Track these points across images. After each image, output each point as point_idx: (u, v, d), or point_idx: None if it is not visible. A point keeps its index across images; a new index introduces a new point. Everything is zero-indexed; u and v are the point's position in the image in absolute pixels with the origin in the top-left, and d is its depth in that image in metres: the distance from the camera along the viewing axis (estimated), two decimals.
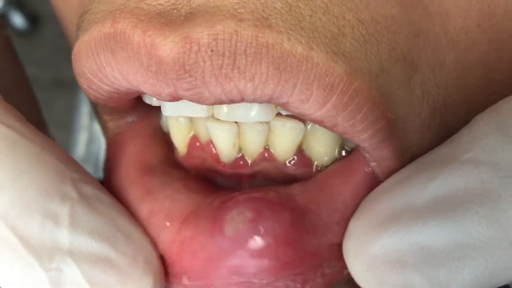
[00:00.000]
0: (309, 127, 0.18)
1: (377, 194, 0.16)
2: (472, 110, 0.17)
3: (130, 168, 0.19)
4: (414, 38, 0.15)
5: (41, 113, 0.27)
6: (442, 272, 0.14)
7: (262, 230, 0.16)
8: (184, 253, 0.17)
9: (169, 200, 0.18)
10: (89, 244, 0.16)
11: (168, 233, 0.17)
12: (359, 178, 0.17)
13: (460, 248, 0.14)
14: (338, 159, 0.18)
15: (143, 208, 0.18)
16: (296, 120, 0.18)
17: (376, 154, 0.16)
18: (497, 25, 0.16)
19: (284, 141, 0.18)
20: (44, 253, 0.15)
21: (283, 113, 0.17)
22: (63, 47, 0.25)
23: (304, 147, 0.19)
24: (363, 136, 0.15)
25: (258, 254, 0.16)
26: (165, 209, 0.18)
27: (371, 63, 0.15)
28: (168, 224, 0.17)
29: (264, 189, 0.17)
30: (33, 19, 1.27)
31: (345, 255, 0.16)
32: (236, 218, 0.16)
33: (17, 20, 1.26)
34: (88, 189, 0.17)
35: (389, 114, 0.15)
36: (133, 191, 0.19)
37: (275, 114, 0.17)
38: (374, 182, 0.17)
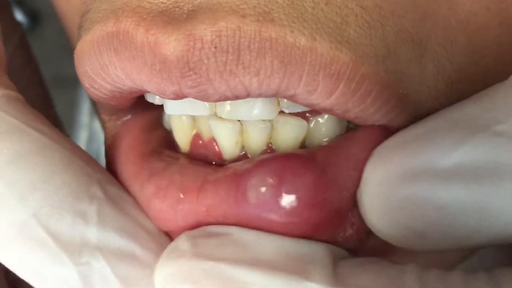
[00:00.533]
0: (312, 124, 0.18)
1: (394, 143, 0.16)
2: (489, 85, 0.17)
3: (129, 156, 0.19)
4: (420, 21, 0.15)
5: (56, 112, 0.27)
6: (455, 233, 0.14)
7: (286, 195, 0.16)
8: (208, 221, 0.17)
9: (178, 174, 0.18)
10: (116, 240, 0.17)
11: (186, 204, 0.17)
12: (373, 131, 0.17)
13: (481, 213, 0.14)
14: None
15: (149, 187, 0.18)
16: (299, 118, 0.18)
17: (391, 124, 0.16)
18: (507, 10, 0.16)
19: (287, 138, 0.18)
20: (74, 249, 0.16)
21: (286, 111, 0.17)
22: (64, 45, 0.25)
23: (307, 144, 0.19)
24: (376, 117, 0.16)
25: (285, 219, 0.16)
26: (176, 182, 0.17)
27: (377, 47, 0.15)
28: (182, 196, 0.17)
29: (281, 154, 0.17)
30: (33, 17, 1.26)
31: (361, 202, 0.16)
32: (259, 184, 0.16)
33: (17, 17, 1.25)
34: (113, 190, 0.18)
35: (400, 91, 0.15)
36: (136, 178, 0.19)
37: (278, 112, 0.17)
38: (388, 135, 0.17)
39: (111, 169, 0.20)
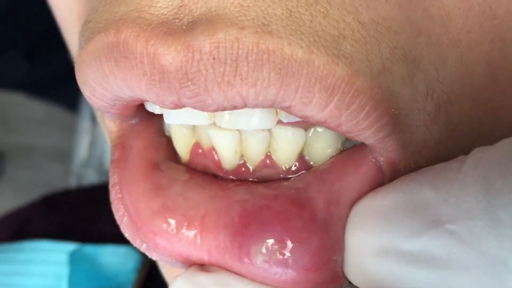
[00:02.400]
0: (310, 133, 0.18)
1: (365, 210, 0.16)
2: (477, 107, 0.17)
3: (137, 164, 0.20)
4: (415, 38, 0.16)
5: None
6: None
7: (291, 262, 0.16)
8: (210, 260, 0.17)
9: (181, 197, 0.18)
10: None
11: (188, 240, 0.17)
12: (366, 169, 0.17)
13: None
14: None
15: (156, 202, 0.18)
16: (297, 127, 0.18)
17: (381, 148, 0.16)
18: (500, 25, 0.16)
19: (285, 147, 0.18)
20: None
21: (285, 120, 0.18)
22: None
23: (305, 153, 0.19)
24: (368, 133, 0.16)
25: (288, 281, 0.16)
26: (180, 206, 0.18)
27: (372, 62, 0.15)
28: (185, 224, 0.17)
29: (280, 201, 0.17)
30: None
31: (344, 264, 0.17)
32: (263, 249, 0.16)
33: None
34: None
35: (393, 110, 0.15)
36: (141, 186, 0.19)
37: (276, 122, 0.18)
38: (379, 176, 0.17)
39: (118, 168, 0.20)
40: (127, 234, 0.19)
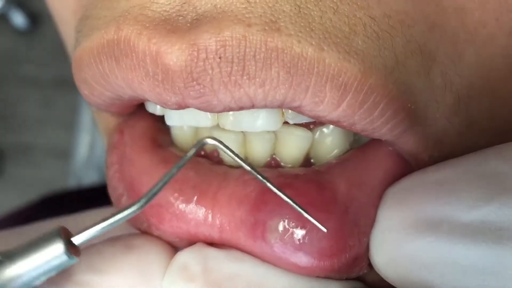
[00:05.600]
0: (316, 135, 0.18)
1: (410, 186, 0.15)
2: (496, 102, 0.16)
3: (141, 140, 0.18)
4: (429, 32, 0.15)
5: None
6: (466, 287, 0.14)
7: (307, 244, 0.15)
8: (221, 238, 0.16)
9: (192, 171, 0.17)
10: None
11: (197, 213, 0.16)
12: (387, 157, 0.17)
13: (498, 275, 0.13)
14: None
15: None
16: (304, 129, 0.18)
17: (399, 143, 0.16)
18: None
19: (291, 149, 0.18)
20: None
21: (291, 121, 0.17)
22: (65, 47, 0.24)
23: (312, 155, 0.18)
24: (383, 130, 0.15)
25: (302, 264, 0.16)
26: (191, 179, 0.17)
27: (386, 58, 0.14)
28: (195, 198, 0.16)
29: (301, 180, 0.16)
30: (34, 18, 1.26)
31: (371, 243, 0.16)
32: (279, 226, 0.16)
33: (18, 19, 1.25)
34: None
35: (408, 105, 0.15)
36: (147, 158, 0.18)
37: (282, 123, 0.17)
38: (403, 164, 0.17)
39: (117, 154, 0.19)
40: None
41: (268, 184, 0.15)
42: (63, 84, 1.17)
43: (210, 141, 0.16)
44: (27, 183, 1.19)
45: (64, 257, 0.14)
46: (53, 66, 1.19)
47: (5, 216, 0.47)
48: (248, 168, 0.15)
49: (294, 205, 0.15)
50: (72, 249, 0.15)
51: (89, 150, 0.74)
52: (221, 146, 0.16)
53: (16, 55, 1.24)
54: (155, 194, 0.15)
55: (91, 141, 0.79)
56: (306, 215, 0.15)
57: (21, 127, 1.21)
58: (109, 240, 0.16)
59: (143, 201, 0.15)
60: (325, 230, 0.15)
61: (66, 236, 0.15)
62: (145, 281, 0.16)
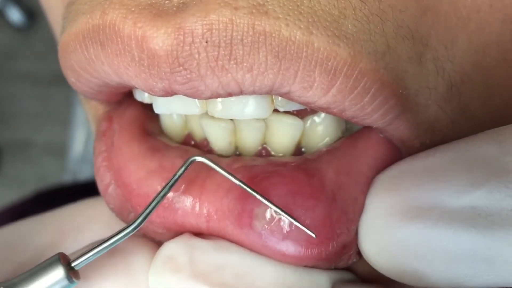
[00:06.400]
0: (308, 124, 0.17)
1: (400, 173, 0.15)
2: (489, 89, 0.16)
3: (130, 128, 0.18)
4: (421, 16, 0.15)
5: None
6: (457, 275, 0.13)
7: (294, 233, 0.15)
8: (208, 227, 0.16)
9: (180, 159, 0.17)
10: None
11: (187, 204, 0.16)
12: (378, 144, 0.16)
13: (488, 261, 0.13)
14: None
15: (152, 162, 0.17)
16: (295, 117, 0.17)
17: (390, 130, 0.16)
18: (511, 6, 0.15)
19: (282, 138, 0.17)
20: None
21: (281, 109, 0.17)
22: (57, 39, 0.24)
23: (303, 144, 0.18)
24: (374, 116, 0.15)
25: (289, 253, 0.15)
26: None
27: (376, 42, 0.14)
28: (183, 186, 0.16)
29: (289, 167, 0.16)
30: (30, 14, 1.26)
31: (360, 231, 0.15)
32: (267, 213, 0.15)
33: (15, 15, 1.25)
34: None
35: (400, 91, 0.15)
36: (135, 147, 0.17)
37: (272, 111, 0.17)
38: (393, 151, 0.16)
39: (105, 143, 0.19)
40: (111, 206, 0.18)
41: (258, 196, 0.15)
42: (59, 80, 1.17)
43: (199, 158, 0.16)
44: (23, 179, 1.19)
45: (65, 282, 0.15)
46: (50, 62, 1.18)
47: (0, 211, 0.46)
48: (239, 183, 0.15)
49: (282, 212, 0.15)
50: (72, 273, 0.15)
51: (84, 145, 0.73)
52: (211, 164, 0.16)
53: (12, 51, 1.23)
54: (148, 214, 0.16)
55: (86, 136, 0.78)
56: (293, 220, 0.15)
57: (18, 123, 1.21)
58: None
59: (137, 222, 0.15)
60: (314, 235, 0.15)
61: (65, 261, 0.15)
62: (133, 282, 0.16)
